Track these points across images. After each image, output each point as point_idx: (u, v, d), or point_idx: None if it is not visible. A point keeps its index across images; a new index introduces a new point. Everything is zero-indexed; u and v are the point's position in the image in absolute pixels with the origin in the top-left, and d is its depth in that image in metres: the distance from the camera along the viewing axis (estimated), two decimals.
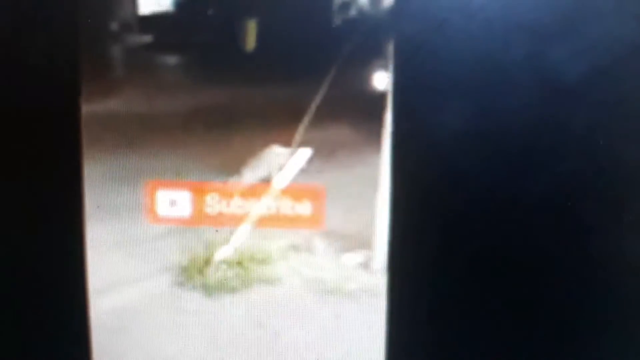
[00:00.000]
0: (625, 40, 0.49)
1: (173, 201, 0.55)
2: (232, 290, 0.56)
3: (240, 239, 0.55)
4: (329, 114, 0.53)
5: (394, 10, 0.51)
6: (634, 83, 0.50)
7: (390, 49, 0.51)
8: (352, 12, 0.52)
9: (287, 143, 0.54)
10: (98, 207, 0.55)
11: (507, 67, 0.50)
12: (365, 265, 0.55)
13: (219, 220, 0.55)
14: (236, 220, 0.55)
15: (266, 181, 0.54)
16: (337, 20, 0.52)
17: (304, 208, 0.54)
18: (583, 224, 0.53)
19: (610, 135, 0.51)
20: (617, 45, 0.49)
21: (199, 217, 0.55)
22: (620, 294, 0.54)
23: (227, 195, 0.55)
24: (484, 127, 0.51)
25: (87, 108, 0.54)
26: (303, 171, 0.54)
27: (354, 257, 0.56)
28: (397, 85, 0.51)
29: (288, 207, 0.54)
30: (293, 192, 0.54)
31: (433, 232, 0.54)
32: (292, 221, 0.55)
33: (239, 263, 0.56)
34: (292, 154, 0.54)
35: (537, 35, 0.50)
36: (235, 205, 0.55)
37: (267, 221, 0.55)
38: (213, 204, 0.55)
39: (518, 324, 0.54)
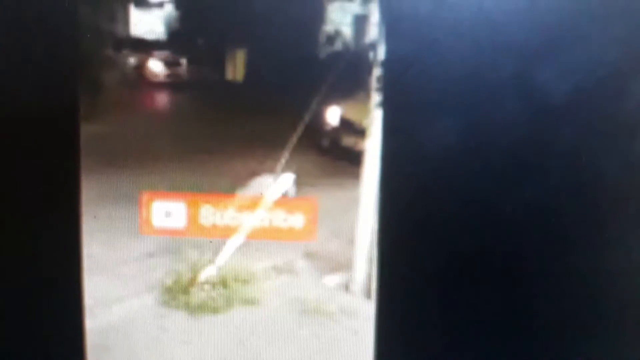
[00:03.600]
0: (608, 62, 0.51)
1: (168, 212, 0.56)
2: (215, 310, 0.57)
3: (224, 258, 0.56)
4: (312, 140, 0.55)
5: (382, 34, 0.52)
6: (616, 103, 0.51)
7: (371, 80, 0.53)
8: (336, 45, 0.53)
9: (271, 168, 0.55)
10: (95, 217, 0.56)
11: (494, 86, 0.51)
12: (345, 287, 0.56)
13: (214, 231, 0.56)
14: (230, 231, 0.56)
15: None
16: (322, 53, 0.53)
17: (297, 220, 0.55)
18: (567, 238, 0.53)
19: (593, 153, 0.52)
20: (600, 66, 0.51)
21: (193, 229, 0.56)
22: (602, 304, 0.54)
23: (222, 207, 0.56)
24: (472, 145, 0.52)
25: (85, 122, 0.55)
26: (285, 196, 0.55)
27: (335, 279, 0.56)
28: (388, 104, 0.53)
29: (281, 219, 0.55)
30: (286, 204, 0.55)
31: (421, 250, 0.54)
32: (285, 233, 0.56)
33: (223, 283, 0.56)
34: (275, 179, 0.55)
35: (524, 56, 0.51)
36: (229, 217, 0.56)
37: (260, 233, 0.56)
38: (207, 215, 0.56)
39: (504, 340, 0.55)
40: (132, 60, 0.56)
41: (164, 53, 0.57)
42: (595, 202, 0.53)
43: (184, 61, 0.57)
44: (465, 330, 0.55)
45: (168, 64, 0.57)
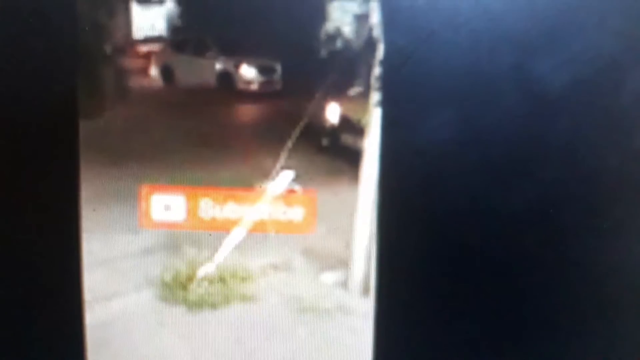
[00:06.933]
0: (606, 54, 0.51)
1: (167, 206, 0.56)
2: (213, 306, 0.57)
3: (223, 254, 0.56)
4: (310, 139, 0.55)
5: (382, 33, 0.53)
6: (613, 95, 0.52)
7: (371, 79, 0.53)
8: (336, 44, 0.54)
9: (271, 166, 0.55)
10: (94, 210, 0.56)
11: (492, 78, 0.52)
12: (343, 284, 0.56)
13: (213, 225, 0.56)
14: (229, 224, 0.56)
15: None
16: (322, 52, 0.54)
17: (296, 213, 0.55)
18: (564, 230, 0.54)
19: (591, 145, 0.52)
20: (598, 58, 0.51)
21: (193, 222, 0.56)
22: (599, 296, 0.55)
23: (221, 200, 0.56)
24: (471, 141, 0.53)
25: (85, 117, 0.55)
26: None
27: (332, 277, 0.56)
28: (387, 100, 0.53)
29: (280, 212, 0.55)
30: (285, 197, 0.55)
31: (419, 247, 0.54)
32: (284, 226, 0.56)
33: (221, 279, 0.56)
34: (274, 177, 0.55)
35: (522, 48, 0.51)
36: (229, 210, 0.56)
37: (260, 226, 0.56)
38: (207, 208, 0.56)
39: (503, 336, 0.55)
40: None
41: (258, 59, 0.56)
42: (594, 194, 0.53)
43: (278, 67, 0.55)
44: (464, 326, 0.55)
45: (263, 71, 0.56)
